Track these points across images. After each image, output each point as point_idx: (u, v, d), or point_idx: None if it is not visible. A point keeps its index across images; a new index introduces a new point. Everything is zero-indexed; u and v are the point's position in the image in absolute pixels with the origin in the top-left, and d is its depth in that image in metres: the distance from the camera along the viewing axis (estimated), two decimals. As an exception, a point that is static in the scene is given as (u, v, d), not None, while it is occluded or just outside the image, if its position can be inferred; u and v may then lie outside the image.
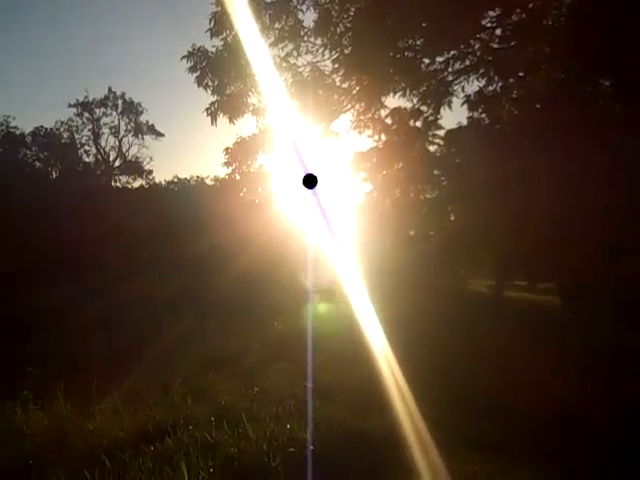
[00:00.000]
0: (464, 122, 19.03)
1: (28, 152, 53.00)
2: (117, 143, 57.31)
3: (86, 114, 56.06)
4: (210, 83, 17.21)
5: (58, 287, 23.90)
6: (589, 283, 16.13)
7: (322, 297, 16.25)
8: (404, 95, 17.72)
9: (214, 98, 17.35)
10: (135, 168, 56.63)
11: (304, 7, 16.95)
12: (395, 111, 18.62)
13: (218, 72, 17.09)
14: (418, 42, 16.70)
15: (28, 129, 53.35)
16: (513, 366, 11.57)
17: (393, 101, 18.42)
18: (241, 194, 20.43)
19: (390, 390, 9.13)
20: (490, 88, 17.39)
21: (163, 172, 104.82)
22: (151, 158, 57.27)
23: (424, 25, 15.94)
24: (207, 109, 17.39)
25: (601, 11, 13.09)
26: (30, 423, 8.86)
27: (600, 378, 10.76)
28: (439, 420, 8.18)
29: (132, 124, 56.96)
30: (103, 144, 56.99)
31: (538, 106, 17.16)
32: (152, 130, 56.89)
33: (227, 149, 18.65)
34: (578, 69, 14.44)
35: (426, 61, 17.17)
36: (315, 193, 12.41)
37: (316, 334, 12.50)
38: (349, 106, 18.33)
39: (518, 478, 7.18)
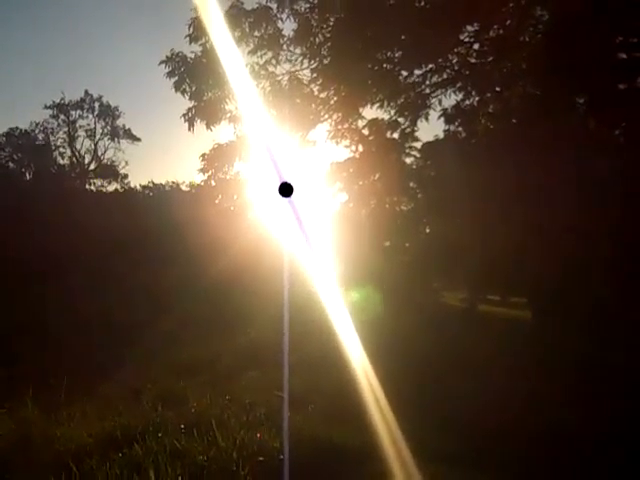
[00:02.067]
0: (441, 135, 19.19)
1: (2, 153, 52.53)
2: (93, 146, 56.95)
3: (62, 116, 55.67)
4: (188, 89, 17.21)
5: (30, 290, 23.67)
6: (560, 298, 16.26)
7: (297, 305, 16.24)
8: (382, 106, 17.87)
9: (192, 104, 17.37)
10: (110, 172, 56.26)
11: (284, 16, 17.04)
12: (372, 122, 18.71)
13: (196, 78, 17.10)
14: (397, 54, 16.80)
15: (2, 130, 52.95)
16: (487, 379, 11.62)
17: (371, 112, 18.54)
18: (216, 201, 20.36)
19: (363, 400, 9.12)
20: (467, 102, 17.61)
21: (138, 177, 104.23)
22: (127, 162, 56.97)
23: (403, 38, 16.04)
24: (184, 115, 17.39)
25: (576, 30, 13.27)
26: (-4, 427, 8.75)
27: (573, 390, 10.84)
28: (410, 432, 8.16)
29: (108, 127, 56.67)
30: (78, 147, 56.64)
31: (514, 121, 17.35)
32: (128, 134, 56.64)
33: (203, 155, 18.62)
34: (553, 86, 14.60)
35: (404, 73, 17.31)
36: (291, 202, 12.37)
37: (290, 342, 12.46)
38: (327, 116, 18.39)
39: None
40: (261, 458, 7.31)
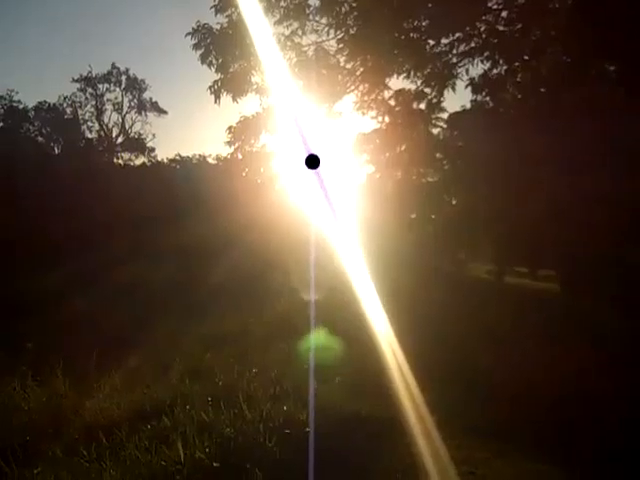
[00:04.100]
0: (468, 105, 18.95)
1: (31, 127, 52.81)
2: (120, 119, 57.14)
3: (89, 89, 55.85)
4: (214, 61, 17.20)
5: (59, 265, 23.91)
6: (589, 269, 16.10)
7: (324, 278, 16.26)
8: (408, 77, 17.68)
9: (218, 76, 17.39)
10: (137, 145, 56.48)
11: (309, -15, 16.91)
12: (399, 93, 18.52)
13: (222, 50, 17.07)
14: (423, 23, 16.62)
15: (31, 104, 53.20)
16: (514, 351, 11.58)
17: (397, 82, 18.38)
18: (243, 174, 20.40)
19: (389, 373, 9.13)
20: (495, 71, 17.31)
21: (165, 150, 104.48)
22: (154, 135, 57.12)
23: (430, 6, 15.86)
24: (210, 87, 17.40)
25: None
26: (28, 399, 8.89)
27: (601, 364, 10.76)
28: (438, 404, 8.17)
29: (135, 100, 56.80)
30: (106, 120, 56.85)
31: (542, 90, 17.08)
32: (155, 107, 56.73)
33: (230, 128, 18.63)
34: (583, 53, 14.35)
35: (431, 42, 17.10)
36: (318, 173, 12.40)
37: (316, 315, 12.50)
38: (353, 87, 18.28)
39: (513, 464, 7.19)
40: (287, 430, 7.36)
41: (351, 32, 16.80)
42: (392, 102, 18.71)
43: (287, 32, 17.47)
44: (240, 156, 19.30)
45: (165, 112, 57.10)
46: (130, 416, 8.32)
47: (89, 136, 56.07)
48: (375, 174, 20.67)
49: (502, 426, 8.27)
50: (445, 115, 19.26)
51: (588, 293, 16.21)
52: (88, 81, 55.44)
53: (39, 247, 26.37)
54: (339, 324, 12.87)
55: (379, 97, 18.70)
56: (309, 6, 17.12)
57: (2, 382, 9.51)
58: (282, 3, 16.92)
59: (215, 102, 17.45)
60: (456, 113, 19.25)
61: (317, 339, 10.64)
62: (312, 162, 9.81)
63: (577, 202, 14.58)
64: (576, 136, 14.10)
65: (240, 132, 18.61)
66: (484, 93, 17.73)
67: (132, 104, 56.96)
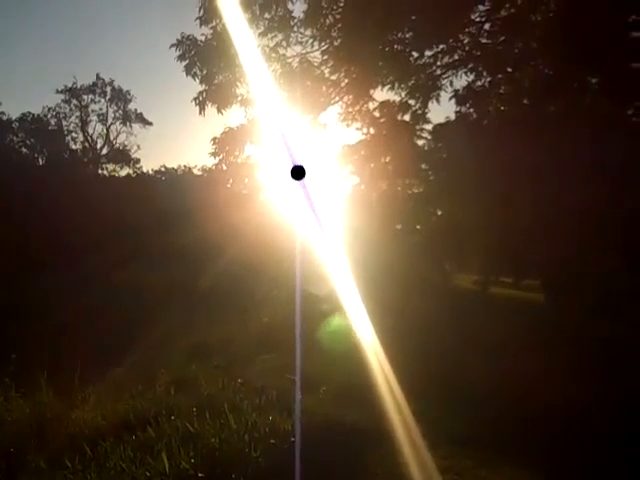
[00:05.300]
0: (452, 117, 19.05)
1: (15, 138, 52.64)
2: (105, 131, 57.13)
3: (74, 101, 55.83)
4: (199, 72, 17.21)
5: (44, 275, 23.81)
6: (573, 280, 16.18)
7: (309, 289, 16.25)
8: (393, 88, 17.73)
9: (202, 87, 17.37)
10: (122, 156, 56.39)
11: (294, -3, 16.97)
12: (383, 104, 18.56)
13: (207, 61, 17.09)
14: (407, 35, 16.71)
15: (15, 115, 53.04)
16: (500, 361, 11.62)
17: (382, 94, 18.40)
18: (228, 185, 20.38)
19: (375, 383, 9.14)
20: (478, 83, 17.40)
21: (151, 161, 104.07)
22: (139, 146, 57.12)
23: (413, 18, 15.95)
24: (195, 98, 17.42)
25: (588, 9, 13.16)
26: (11, 411, 8.85)
27: (586, 372, 10.81)
28: (423, 414, 8.18)
29: (120, 112, 56.81)
30: (91, 131, 56.82)
31: (525, 101, 17.21)
32: (140, 118, 56.73)
33: (214, 139, 18.61)
34: (565, 66, 14.48)
35: (415, 54, 17.16)
36: (303, 185, 12.41)
37: (302, 324, 12.51)
38: (337, 98, 18.32)
39: (498, 472, 7.21)
40: (272, 441, 7.36)
41: (335, 44, 16.87)
42: (377, 113, 18.76)
43: (272, 44, 17.52)
44: (225, 167, 19.29)
45: (150, 123, 57.17)
46: (115, 427, 8.32)
47: (73, 147, 56.06)
48: (360, 185, 20.70)
49: (488, 436, 8.29)
50: (430, 126, 19.30)
51: (571, 303, 16.30)
52: (73, 92, 55.37)
53: (23, 257, 26.25)
54: (324, 334, 12.91)
55: (364, 108, 18.75)
56: (293, 18, 17.16)
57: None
58: (266, 15, 16.96)
59: (200, 113, 17.48)
60: (440, 124, 19.31)
61: (302, 348, 10.62)
62: (297, 173, 9.82)
63: (561, 212, 14.67)
64: (559, 147, 14.21)
65: (225, 143, 18.61)
66: (468, 105, 17.82)
67: (117, 115, 57.02)
